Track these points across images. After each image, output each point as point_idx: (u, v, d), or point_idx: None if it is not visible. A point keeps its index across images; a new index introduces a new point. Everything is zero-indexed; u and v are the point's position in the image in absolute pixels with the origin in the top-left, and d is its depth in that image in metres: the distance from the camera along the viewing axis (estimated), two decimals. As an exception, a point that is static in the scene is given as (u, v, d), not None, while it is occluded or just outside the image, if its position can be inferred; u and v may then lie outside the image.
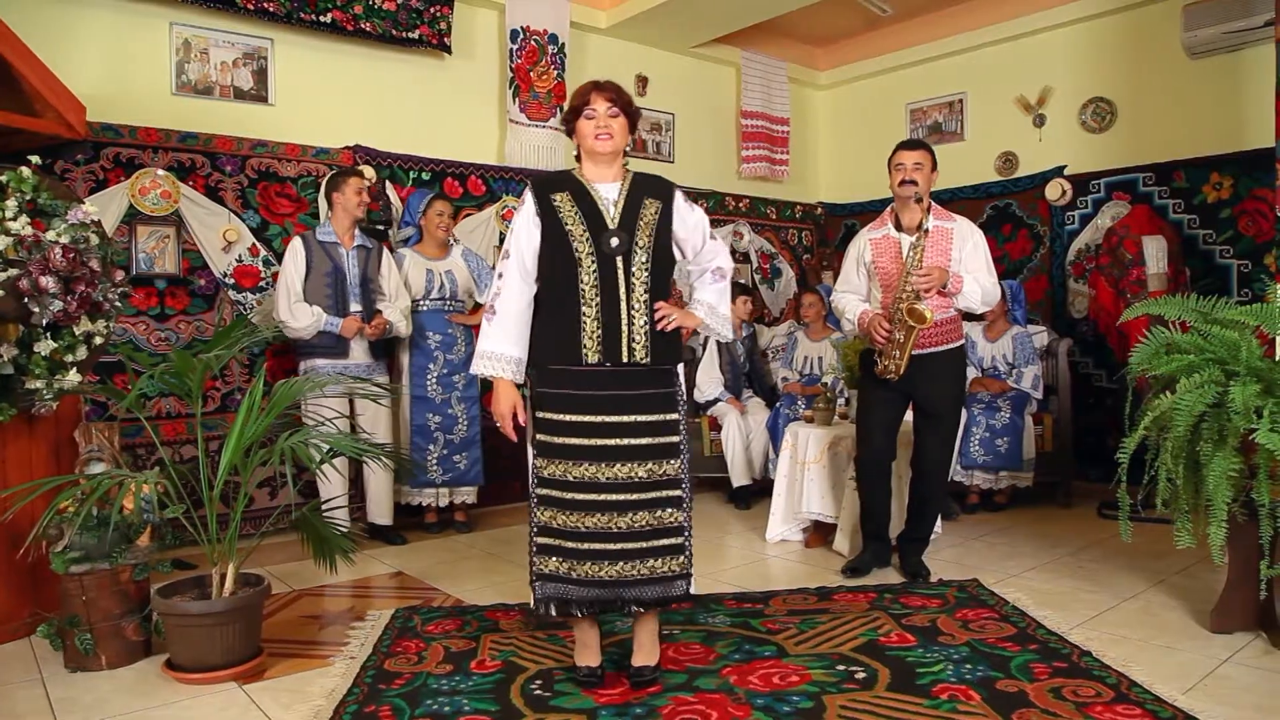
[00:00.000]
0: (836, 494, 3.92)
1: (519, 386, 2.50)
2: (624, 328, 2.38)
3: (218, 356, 2.58)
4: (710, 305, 2.62)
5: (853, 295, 3.53)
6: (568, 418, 2.41)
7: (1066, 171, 5.41)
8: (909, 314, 3.20)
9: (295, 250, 3.99)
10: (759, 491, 5.00)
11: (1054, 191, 5.39)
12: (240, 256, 4.28)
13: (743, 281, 6.05)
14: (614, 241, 2.40)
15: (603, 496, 2.38)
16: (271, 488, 4.35)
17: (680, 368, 2.53)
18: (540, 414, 2.44)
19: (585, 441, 2.39)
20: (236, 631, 2.64)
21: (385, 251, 4.25)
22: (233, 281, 4.26)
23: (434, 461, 4.31)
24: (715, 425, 5.11)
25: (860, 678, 2.54)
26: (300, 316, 3.92)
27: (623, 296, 2.39)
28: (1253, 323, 2.81)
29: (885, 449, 3.50)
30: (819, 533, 4.08)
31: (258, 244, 4.33)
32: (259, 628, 2.77)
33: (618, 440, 2.39)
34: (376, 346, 4.15)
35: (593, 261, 2.39)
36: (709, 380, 5.18)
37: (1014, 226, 5.67)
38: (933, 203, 3.42)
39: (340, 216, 4.08)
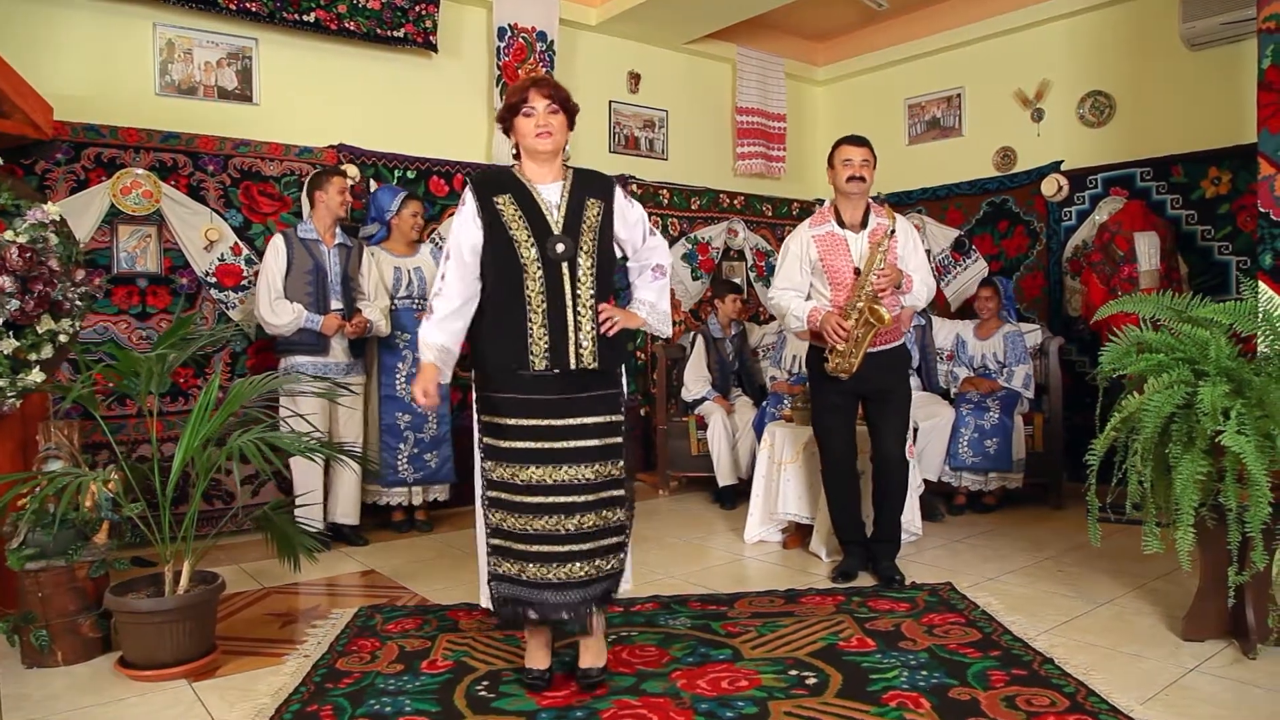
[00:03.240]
0: (813, 495, 3.87)
1: (458, 383, 2.51)
2: (571, 334, 2.36)
3: (165, 356, 2.58)
4: (651, 304, 2.58)
5: (794, 293, 3.46)
6: (515, 421, 2.38)
7: (1065, 167, 5.30)
8: (872, 313, 3.17)
9: (277, 247, 3.99)
10: (745, 491, 4.93)
11: (1050, 187, 5.29)
12: (222, 255, 4.30)
13: (735, 280, 6.01)
14: (560, 247, 2.37)
15: (551, 499, 2.36)
16: (255, 485, 4.37)
17: (622, 369, 2.52)
18: (486, 418, 2.43)
19: (534, 445, 2.37)
20: (187, 629, 2.64)
21: (365, 250, 4.25)
22: (215, 280, 4.29)
23: (404, 460, 4.31)
24: (702, 424, 5.07)
25: (811, 683, 2.49)
26: (281, 314, 3.93)
27: (569, 302, 2.36)
28: (1226, 321, 2.73)
29: (846, 451, 3.48)
30: (798, 534, 4.03)
31: (240, 243, 4.35)
32: (212, 625, 2.77)
33: (566, 443, 2.37)
34: (356, 345, 4.15)
35: (538, 268, 2.36)
36: (696, 379, 5.14)
37: (1010, 223, 5.57)
38: (870, 201, 3.43)
39: (322, 215, 4.08)
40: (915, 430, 4.49)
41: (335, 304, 4.05)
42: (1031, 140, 5.49)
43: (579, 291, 2.37)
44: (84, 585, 2.77)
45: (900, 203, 6.06)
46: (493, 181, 2.46)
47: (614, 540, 2.43)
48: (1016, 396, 4.65)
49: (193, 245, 4.23)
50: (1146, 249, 4.31)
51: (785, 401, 4.67)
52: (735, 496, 4.91)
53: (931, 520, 4.40)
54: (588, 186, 2.46)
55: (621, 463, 2.43)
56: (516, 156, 2.49)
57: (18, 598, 2.75)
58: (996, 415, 4.53)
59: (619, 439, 2.43)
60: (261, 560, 3.87)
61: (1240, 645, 2.68)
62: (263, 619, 3.19)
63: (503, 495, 2.39)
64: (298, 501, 3.62)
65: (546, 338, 2.35)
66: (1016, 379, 4.70)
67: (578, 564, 2.36)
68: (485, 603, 2.51)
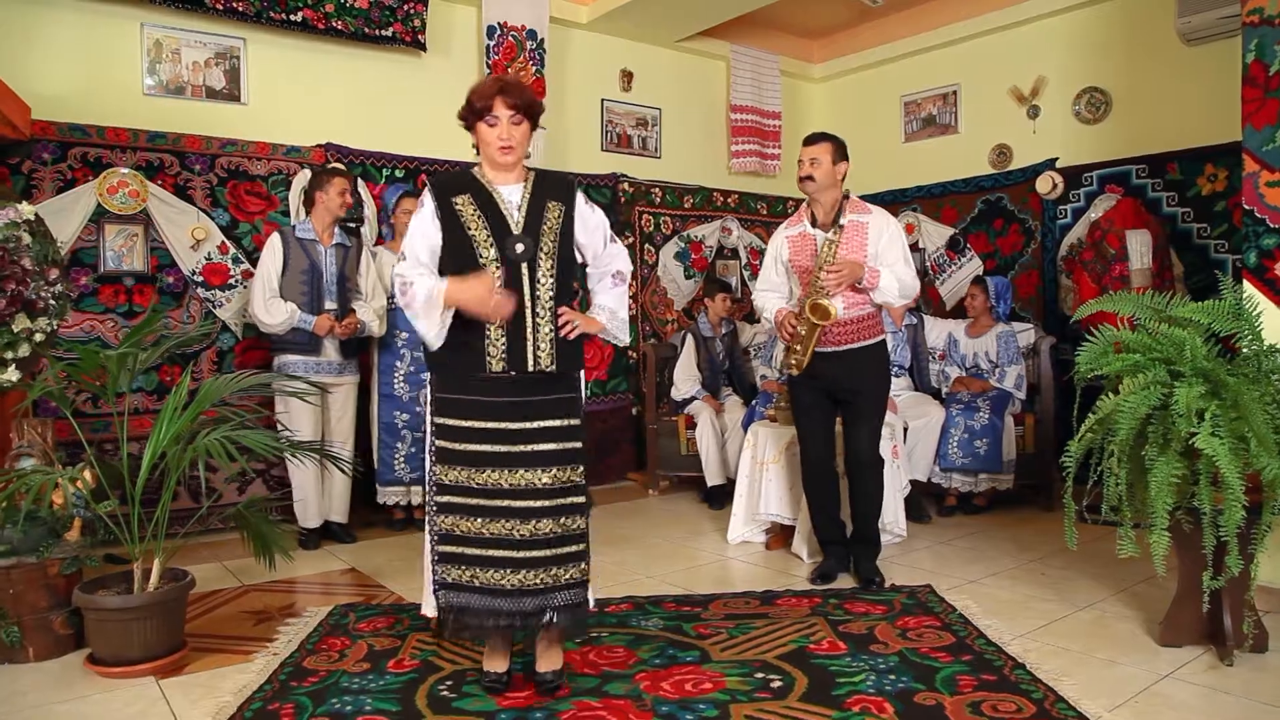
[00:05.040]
0: (795, 495, 3.84)
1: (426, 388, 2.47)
2: (529, 336, 2.34)
3: (128, 354, 2.58)
4: (611, 310, 2.55)
5: (773, 294, 3.46)
6: (470, 424, 2.37)
7: (1061, 164, 5.24)
8: (812, 310, 3.15)
9: (274, 246, 3.98)
10: (734, 491, 4.90)
11: (1044, 185, 5.23)
12: (209, 254, 4.32)
13: (728, 279, 5.98)
14: (519, 247, 2.35)
15: (505, 503, 2.34)
16: (241, 483, 4.38)
17: (581, 373, 2.50)
18: (441, 420, 2.40)
19: (489, 448, 2.36)
20: (155, 626, 2.65)
21: (365, 251, 4.24)
22: (201, 279, 4.30)
23: (401, 459, 4.30)
24: (691, 423, 5.04)
25: (775, 686, 2.47)
26: (275, 313, 3.91)
27: (528, 304, 2.35)
28: (1205, 321, 2.68)
29: (824, 451, 3.45)
30: (781, 534, 4.00)
31: (227, 242, 4.36)
32: (180, 622, 2.78)
33: (522, 447, 2.35)
34: (349, 345, 4.13)
35: (497, 268, 2.35)
36: (685, 378, 5.12)
37: (1005, 221, 5.51)
38: (847, 196, 3.38)
39: (321, 215, 4.05)
40: (905, 430, 4.45)
41: (329, 304, 4.03)
42: (1027, 137, 5.44)
43: (538, 293, 2.35)
44: (55, 582, 2.78)
45: (896, 200, 6.01)
46: (452, 182, 2.44)
47: (572, 549, 2.38)
48: (1007, 397, 4.59)
49: (179, 244, 4.25)
50: (1138, 247, 4.25)
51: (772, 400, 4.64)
52: (723, 496, 4.86)
53: (918, 522, 4.36)
54: (549, 189, 2.45)
55: (581, 468, 2.40)
56: (478, 153, 2.47)
57: (-11, 594, 2.76)
58: (986, 416, 4.48)
59: (578, 444, 2.40)
60: (245, 558, 3.86)
61: (1217, 651, 2.64)
62: (238, 616, 3.19)
63: (456, 499, 2.37)
64: (296, 499, 3.63)
65: (504, 340, 2.34)
66: (1009, 379, 4.65)
67: (532, 571, 2.33)
68: (430, 610, 2.50)
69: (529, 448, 2.35)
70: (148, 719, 2.36)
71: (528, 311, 2.34)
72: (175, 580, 2.80)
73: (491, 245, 2.34)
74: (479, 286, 2.25)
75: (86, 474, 2.74)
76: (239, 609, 3.28)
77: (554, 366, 2.36)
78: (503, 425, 2.35)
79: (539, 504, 2.34)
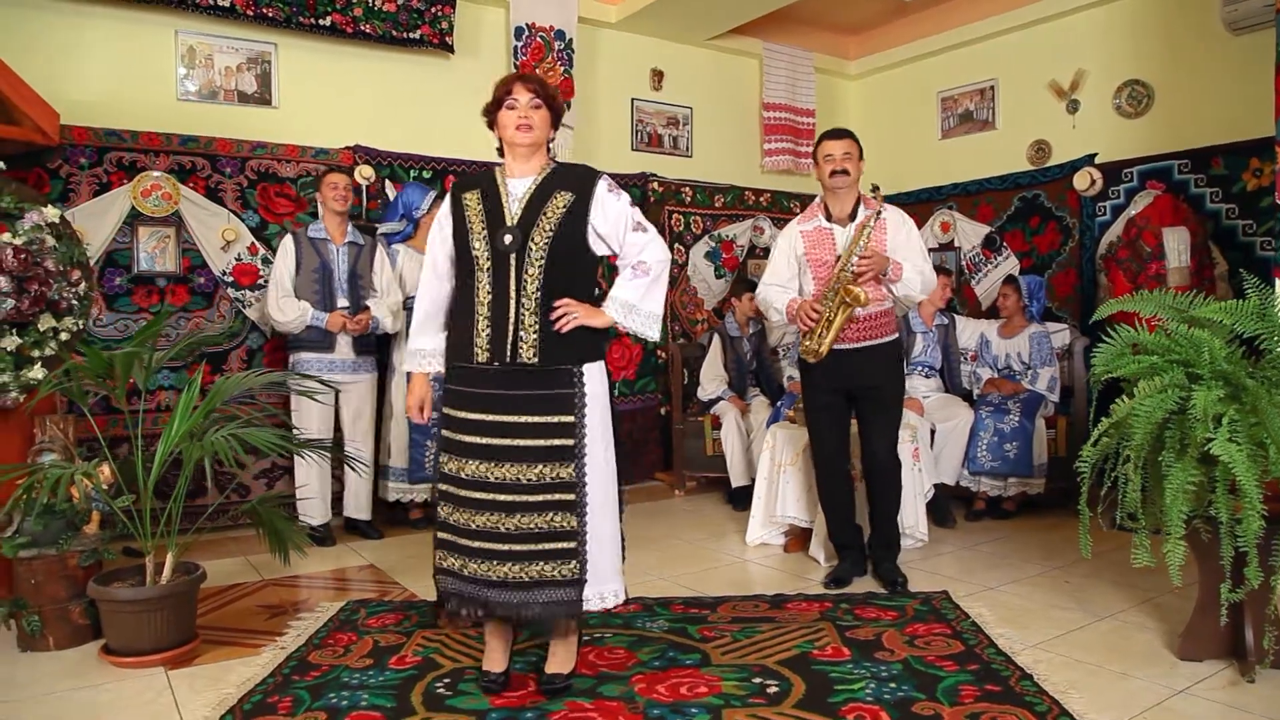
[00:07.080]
0: (812, 497, 3.78)
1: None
2: (510, 327, 2.34)
3: (133, 354, 2.65)
4: (626, 303, 2.44)
5: (779, 288, 3.41)
6: (462, 415, 2.41)
7: (1102, 159, 5.07)
8: (846, 292, 3.11)
9: (285, 248, 4.09)
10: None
11: (1082, 181, 5.06)
12: (239, 255, 4.42)
13: (755, 278, 5.91)
14: (507, 239, 2.36)
15: (491, 496, 2.35)
16: (269, 479, 4.48)
17: (592, 368, 2.42)
18: (444, 410, 2.45)
19: (476, 439, 2.38)
20: (166, 618, 2.72)
21: (380, 248, 4.30)
22: (231, 279, 4.41)
23: (431, 457, 4.35)
24: (717, 424, 5.01)
25: (771, 692, 2.43)
26: (287, 311, 4.01)
27: (512, 295, 2.35)
28: (1228, 321, 2.56)
29: (836, 452, 3.40)
30: (800, 537, 3.95)
31: (256, 243, 4.46)
32: (192, 615, 2.84)
33: (506, 440, 2.35)
34: (364, 342, 4.20)
35: (488, 259, 2.38)
36: (711, 378, 5.08)
37: (1042, 219, 5.35)
38: (860, 193, 3.36)
39: (324, 213, 4.16)
40: (932, 432, 4.36)
41: (342, 301, 4.11)
42: (1066, 132, 5.28)
43: (524, 284, 2.35)
44: (74, 573, 2.87)
45: (931, 198, 5.90)
46: (470, 181, 2.50)
47: (560, 546, 2.36)
48: (1039, 399, 4.46)
49: (210, 245, 4.36)
50: (1175, 245, 4.09)
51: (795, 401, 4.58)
52: (748, 498, 4.80)
53: (943, 526, 4.27)
54: (562, 179, 2.42)
55: (573, 465, 2.36)
56: (501, 154, 2.49)
57: (12, 584, 2.87)
58: (1017, 418, 4.35)
59: (570, 440, 2.36)
60: (268, 553, 3.95)
61: (1239, 666, 2.52)
62: (253, 610, 3.26)
63: (450, 488, 2.41)
64: (298, 496, 3.70)
65: (489, 330, 2.35)
66: (1041, 381, 4.52)
67: (517, 564, 2.34)
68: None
69: (514, 441, 2.34)
70: (153, 708, 2.43)
71: (511, 303, 2.34)
72: (187, 574, 2.87)
73: (484, 238, 2.37)
74: (411, 396, 2.58)
75: (104, 469, 2.82)
76: (255, 603, 3.35)
77: (536, 359, 2.34)
78: (487, 417, 2.36)
79: (523, 499, 2.34)
